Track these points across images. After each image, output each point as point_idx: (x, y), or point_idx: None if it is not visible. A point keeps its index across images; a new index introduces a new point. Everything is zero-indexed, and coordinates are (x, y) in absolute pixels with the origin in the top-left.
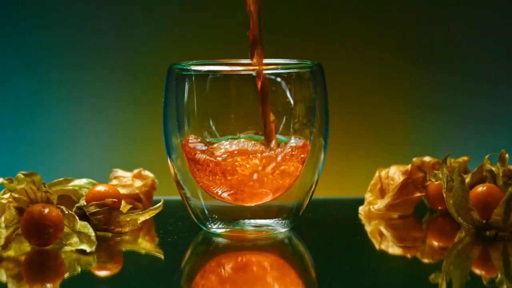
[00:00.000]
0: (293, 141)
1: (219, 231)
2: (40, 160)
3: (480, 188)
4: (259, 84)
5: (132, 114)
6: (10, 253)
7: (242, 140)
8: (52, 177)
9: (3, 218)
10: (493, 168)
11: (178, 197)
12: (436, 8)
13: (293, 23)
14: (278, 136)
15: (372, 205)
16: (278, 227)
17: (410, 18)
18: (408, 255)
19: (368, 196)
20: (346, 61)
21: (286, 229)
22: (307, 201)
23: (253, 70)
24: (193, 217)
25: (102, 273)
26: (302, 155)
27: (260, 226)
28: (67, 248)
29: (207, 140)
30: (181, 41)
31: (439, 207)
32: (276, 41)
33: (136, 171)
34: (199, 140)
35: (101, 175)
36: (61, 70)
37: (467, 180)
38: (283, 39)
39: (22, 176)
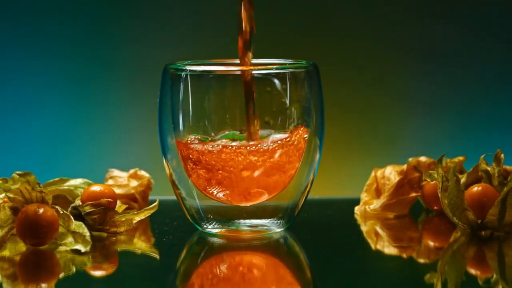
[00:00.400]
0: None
1: (215, 231)
2: (36, 160)
3: (476, 188)
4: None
5: (127, 114)
6: (5, 253)
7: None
8: (48, 177)
9: None
10: (489, 168)
11: (174, 197)
12: (433, 7)
13: (288, 23)
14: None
15: (368, 205)
16: (273, 227)
17: (406, 17)
18: (404, 255)
19: (364, 196)
20: (341, 61)
21: (282, 229)
22: (303, 201)
23: (248, 70)
24: (189, 217)
25: (97, 273)
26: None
27: (256, 226)
28: (62, 248)
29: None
30: (177, 41)
31: (435, 207)
32: (271, 41)
33: (131, 171)
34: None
35: (97, 175)
36: (57, 70)
37: (463, 180)
38: (278, 39)
39: (17, 176)
